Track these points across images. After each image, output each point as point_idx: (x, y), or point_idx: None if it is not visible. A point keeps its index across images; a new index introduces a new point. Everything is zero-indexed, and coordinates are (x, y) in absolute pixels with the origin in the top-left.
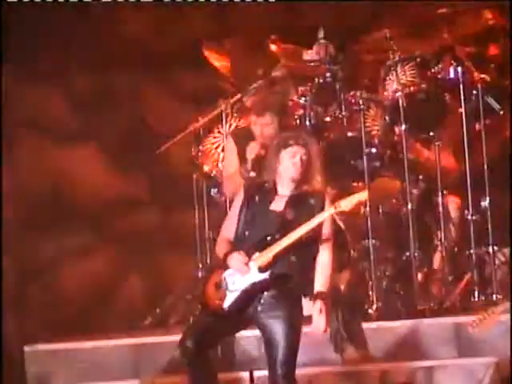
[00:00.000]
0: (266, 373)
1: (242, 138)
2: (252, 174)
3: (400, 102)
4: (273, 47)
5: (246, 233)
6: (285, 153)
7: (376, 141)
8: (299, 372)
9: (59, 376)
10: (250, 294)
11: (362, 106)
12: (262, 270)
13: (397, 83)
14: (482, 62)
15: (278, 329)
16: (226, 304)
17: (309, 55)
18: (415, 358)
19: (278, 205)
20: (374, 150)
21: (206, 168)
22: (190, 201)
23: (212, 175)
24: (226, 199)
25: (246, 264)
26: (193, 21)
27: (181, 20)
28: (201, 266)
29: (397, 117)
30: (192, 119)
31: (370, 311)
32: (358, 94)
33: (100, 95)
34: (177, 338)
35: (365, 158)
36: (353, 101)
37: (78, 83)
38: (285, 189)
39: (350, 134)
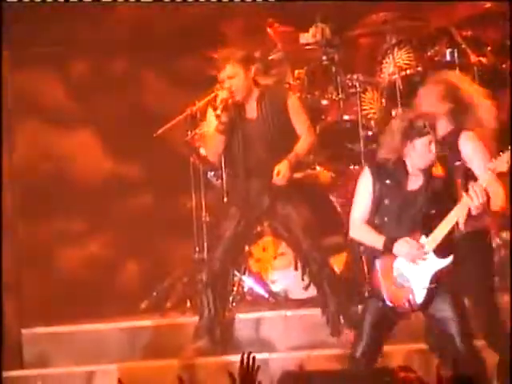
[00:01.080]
0: (266, 355)
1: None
2: (224, 118)
3: (397, 84)
4: (270, 30)
5: (385, 218)
6: (420, 142)
7: (373, 123)
8: (294, 355)
9: (57, 359)
10: (438, 283)
11: (358, 89)
12: (439, 254)
13: (393, 66)
14: (478, 44)
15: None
16: (419, 301)
17: (305, 38)
18: (412, 340)
19: (414, 183)
20: (370, 133)
21: (202, 151)
22: (186, 184)
23: (209, 158)
24: (222, 182)
25: (420, 250)
26: (191, 5)
27: (179, 4)
28: (197, 248)
29: (393, 100)
30: (189, 103)
31: (366, 294)
32: (355, 77)
33: (98, 80)
34: (173, 321)
35: (361, 140)
36: (349, 84)
37: (76, 68)
38: (415, 169)
39: (346, 117)
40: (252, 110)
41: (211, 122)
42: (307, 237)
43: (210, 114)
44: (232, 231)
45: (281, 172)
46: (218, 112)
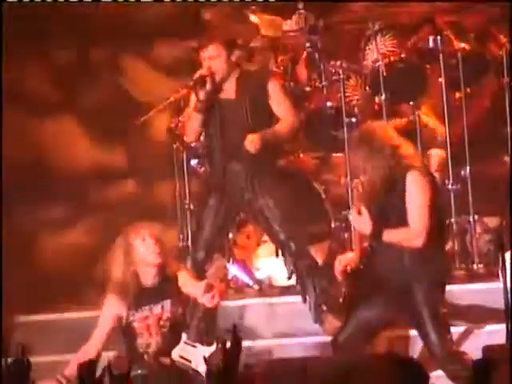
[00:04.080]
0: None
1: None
2: (202, 97)
3: (380, 71)
4: (252, 18)
5: None
6: None
7: (356, 110)
8: (279, 342)
9: (39, 347)
10: None
11: (341, 76)
12: None
13: (377, 53)
14: (461, 31)
15: None
16: None
17: (288, 25)
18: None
19: None
20: (354, 120)
21: (185, 138)
22: (170, 171)
23: (192, 146)
24: (205, 170)
25: None
26: None
27: None
28: (181, 236)
29: (377, 86)
30: (172, 90)
31: None
32: (338, 63)
33: (80, 67)
34: None
35: (345, 127)
36: (333, 71)
37: (58, 55)
38: None
39: (330, 103)
40: (231, 91)
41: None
42: (284, 227)
43: (193, 99)
44: (212, 219)
45: (253, 140)
46: (197, 90)
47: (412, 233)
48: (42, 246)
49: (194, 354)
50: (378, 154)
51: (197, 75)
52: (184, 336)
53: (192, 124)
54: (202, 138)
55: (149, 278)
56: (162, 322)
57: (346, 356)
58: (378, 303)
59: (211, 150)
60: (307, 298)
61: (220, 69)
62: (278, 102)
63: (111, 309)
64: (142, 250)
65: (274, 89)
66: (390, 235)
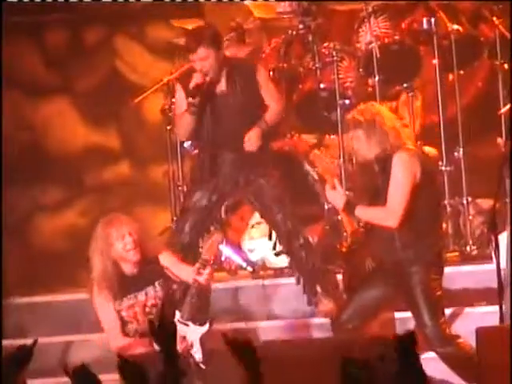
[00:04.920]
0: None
1: (187, 78)
2: (196, 102)
3: (374, 53)
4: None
5: None
6: None
7: (350, 92)
8: (272, 324)
9: (35, 329)
10: None
11: (335, 58)
12: None
13: (370, 35)
14: (454, 13)
15: None
16: None
17: (281, 7)
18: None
19: None
20: (347, 102)
21: (178, 137)
22: (163, 153)
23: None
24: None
25: None
26: None
27: None
28: (175, 218)
29: (370, 68)
30: (165, 72)
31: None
32: (332, 45)
33: (73, 49)
34: None
35: (338, 109)
36: (326, 52)
37: (51, 37)
38: None
39: (323, 85)
40: (222, 84)
41: (181, 101)
42: (279, 209)
43: (180, 92)
44: (205, 202)
45: (251, 138)
46: (190, 100)
47: (387, 212)
48: (36, 227)
49: (187, 333)
50: (376, 134)
51: (192, 84)
52: (177, 314)
53: (184, 124)
54: None
55: (129, 268)
56: (147, 309)
57: (342, 337)
58: (377, 284)
59: (203, 139)
60: (301, 279)
61: (211, 68)
62: (266, 91)
63: (104, 300)
64: (120, 248)
65: (262, 78)
66: (363, 211)
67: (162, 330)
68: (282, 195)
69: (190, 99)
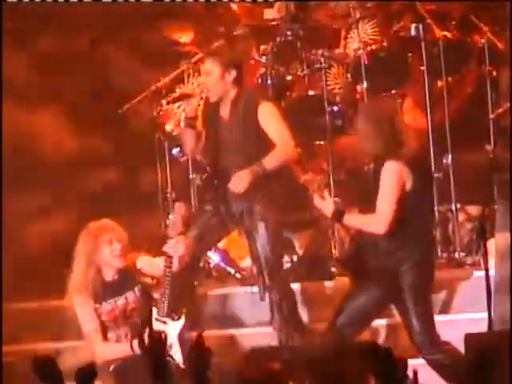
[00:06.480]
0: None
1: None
2: (190, 113)
3: (362, 59)
4: (234, 6)
5: None
6: None
7: (338, 99)
8: (261, 330)
9: (24, 336)
10: None
11: (323, 65)
12: None
13: (358, 41)
14: (442, 19)
15: None
16: None
17: (270, 14)
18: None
19: None
20: (336, 108)
21: (167, 128)
22: (151, 161)
23: (174, 135)
24: (188, 159)
25: None
26: None
27: None
28: (163, 225)
29: (358, 75)
30: (154, 79)
31: (332, 269)
32: (320, 52)
33: (61, 56)
34: None
35: (327, 116)
36: (315, 59)
37: (40, 44)
38: None
39: (311, 92)
40: (226, 111)
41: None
42: (264, 251)
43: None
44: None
45: (239, 180)
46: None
47: (375, 219)
48: (25, 233)
49: (166, 332)
50: (380, 132)
51: (177, 93)
52: (154, 312)
53: (186, 139)
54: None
55: (110, 274)
56: (127, 313)
57: (330, 344)
58: (371, 289)
59: (210, 163)
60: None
61: (212, 85)
62: (272, 128)
63: (83, 304)
64: (107, 253)
65: (264, 112)
66: (352, 219)
67: (152, 344)
68: (273, 237)
69: (185, 109)
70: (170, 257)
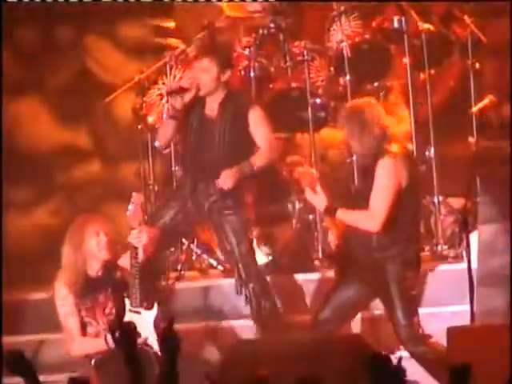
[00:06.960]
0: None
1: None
2: (177, 105)
3: (344, 52)
4: None
5: None
6: None
7: (321, 91)
8: (243, 323)
9: (5, 328)
10: None
11: (306, 57)
12: None
13: (341, 34)
14: (425, 12)
15: None
16: None
17: (253, 6)
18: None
19: None
20: (318, 101)
21: (150, 119)
22: (134, 152)
23: (156, 127)
24: (171, 151)
25: None
26: None
27: None
28: (146, 217)
29: (341, 67)
30: (137, 70)
31: (316, 262)
32: (303, 44)
33: (44, 47)
34: None
35: (309, 108)
36: (297, 51)
37: (22, 35)
38: None
39: (294, 84)
40: (214, 109)
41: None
42: (237, 246)
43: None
44: (167, 220)
45: (227, 177)
46: (172, 102)
47: (369, 215)
48: (6, 227)
49: (141, 323)
50: (367, 133)
51: (176, 85)
52: (127, 303)
53: (164, 130)
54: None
55: (94, 269)
56: (107, 310)
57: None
58: (354, 283)
59: (185, 160)
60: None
61: (207, 84)
62: (258, 132)
63: (66, 297)
64: (93, 245)
65: (254, 117)
66: (345, 214)
67: (123, 337)
68: (243, 231)
69: (172, 101)
70: (136, 248)
